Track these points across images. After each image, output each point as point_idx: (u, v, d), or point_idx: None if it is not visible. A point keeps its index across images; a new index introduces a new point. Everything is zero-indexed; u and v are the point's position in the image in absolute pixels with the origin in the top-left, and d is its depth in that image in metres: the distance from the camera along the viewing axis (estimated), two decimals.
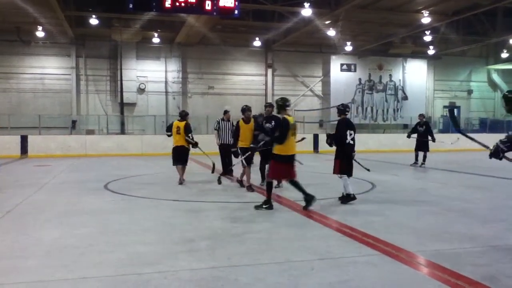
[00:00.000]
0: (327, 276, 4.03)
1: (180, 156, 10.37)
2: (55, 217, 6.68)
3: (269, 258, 4.55)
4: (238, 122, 9.46)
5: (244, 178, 9.34)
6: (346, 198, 7.57)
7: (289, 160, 7.06)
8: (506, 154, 4.82)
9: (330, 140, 7.72)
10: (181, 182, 10.27)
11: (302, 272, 4.12)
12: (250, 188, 9.04)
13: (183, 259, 4.52)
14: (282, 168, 7.01)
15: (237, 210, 7.16)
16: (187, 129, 10.31)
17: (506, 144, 4.71)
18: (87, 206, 7.53)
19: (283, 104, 7.11)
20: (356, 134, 7.86)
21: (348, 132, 7.61)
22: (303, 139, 9.23)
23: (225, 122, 11.14)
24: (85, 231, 5.72)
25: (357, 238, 5.34)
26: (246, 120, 9.37)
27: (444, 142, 15.88)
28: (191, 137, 10.32)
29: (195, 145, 10.33)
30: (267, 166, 8.70)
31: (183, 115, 10.63)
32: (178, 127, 10.33)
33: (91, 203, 7.80)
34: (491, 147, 4.82)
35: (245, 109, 9.44)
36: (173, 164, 10.49)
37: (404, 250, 4.78)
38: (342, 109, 7.91)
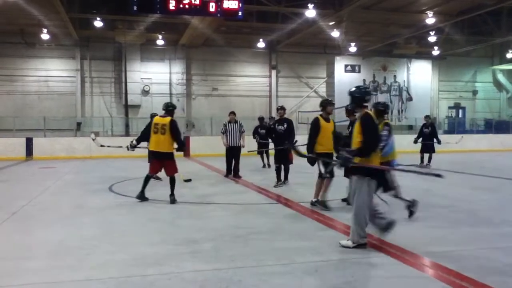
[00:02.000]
0: (331, 278, 4.02)
1: None
2: (60, 218, 6.70)
3: (273, 259, 4.55)
4: (316, 120, 7.23)
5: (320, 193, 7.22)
6: None
7: (153, 155, 8.07)
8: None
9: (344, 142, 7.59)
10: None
11: (306, 273, 4.11)
12: (323, 203, 7.12)
13: (187, 260, 4.52)
14: (153, 162, 8.27)
15: (241, 212, 7.16)
16: None
17: (353, 152, 4.75)
18: (92, 208, 7.55)
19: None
20: None
21: None
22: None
23: (232, 124, 11.21)
24: (90, 232, 5.73)
25: None
26: (327, 118, 7.27)
27: (449, 143, 15.82)
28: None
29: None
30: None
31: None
32: None
33: (95, 205, 7.82)
34: (338, 160, 4.82)
35: (328, 103, 7.36)
36: None
37: (408, 252, 4.76)
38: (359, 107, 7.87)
